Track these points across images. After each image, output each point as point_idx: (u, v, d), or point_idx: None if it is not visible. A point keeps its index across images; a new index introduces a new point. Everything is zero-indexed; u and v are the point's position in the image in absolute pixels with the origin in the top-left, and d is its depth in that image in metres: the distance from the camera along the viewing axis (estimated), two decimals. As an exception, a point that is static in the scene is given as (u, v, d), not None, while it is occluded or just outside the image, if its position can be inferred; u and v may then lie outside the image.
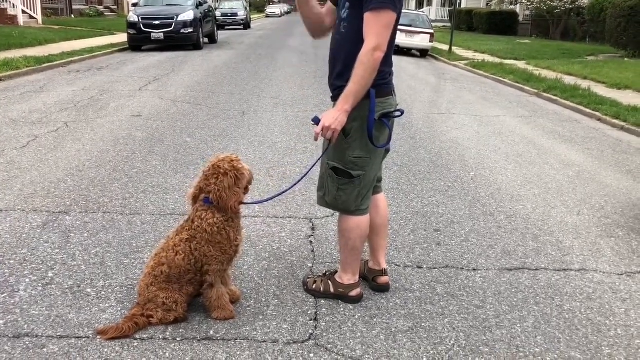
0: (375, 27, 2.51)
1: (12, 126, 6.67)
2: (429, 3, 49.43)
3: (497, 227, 4.24)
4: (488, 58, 18.46)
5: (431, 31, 19.84)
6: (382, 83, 2.73)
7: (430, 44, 19.92)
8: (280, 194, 3.17)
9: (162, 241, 2.82)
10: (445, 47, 21.25)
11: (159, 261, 2.69)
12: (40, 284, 3.07)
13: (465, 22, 36.56)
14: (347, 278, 3.03)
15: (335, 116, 2.58)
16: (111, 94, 9.09)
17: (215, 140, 6.33)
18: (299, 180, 3.12)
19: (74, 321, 2.73)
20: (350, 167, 2.77)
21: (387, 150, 3.05)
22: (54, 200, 4.34)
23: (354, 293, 3.03)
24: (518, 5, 35.13)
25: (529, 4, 30.53)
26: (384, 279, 3.18)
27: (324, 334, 2.73)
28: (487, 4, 39.30)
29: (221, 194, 2.59)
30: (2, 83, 10.02)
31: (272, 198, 3.24)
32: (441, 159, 6.14)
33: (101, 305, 2.89)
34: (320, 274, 3.21)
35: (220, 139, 6.44)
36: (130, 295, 2.96)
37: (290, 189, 3.19)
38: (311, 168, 3.14)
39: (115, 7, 37.02)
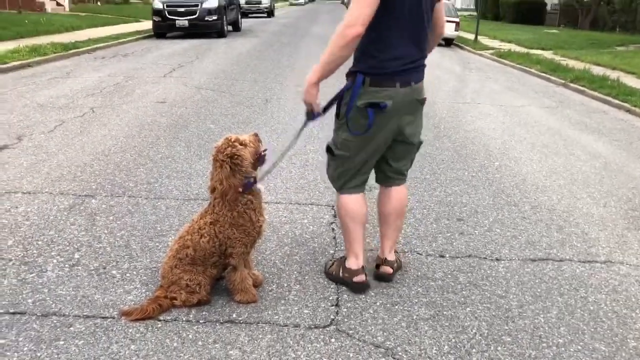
0: (352, 5, 2.53)
1: (40, 111, 6.78)
2: (455, -9, 48.79)
3: (522, 217, 4.19)
4: (514, 48, 18.16)
5: (457, 19, 19.55)
6: (379, 72, 2.66)
7: (456, 32, 19.64)
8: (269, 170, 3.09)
9: (186, 224, 2.85)
10: (471, 36, 20.95)
11: (184, 244, 2.71)
12: (67, 265, 3.13)
13: (491, 11, 36.03)
14: (350, 262, 3.01)
15: (305, 91, 2.73)
16: (136, 80, 9.18)
17: (238, 127, 6.35)
18: (283, 155, 3.29)
19: (99, 302, 2.79)
20: (339, 146, 2.86)
21: (420, 142, 3.18)
22: (80, 183, 4.41)
23: (356, 279, 2.99)
24: (546, -7, 34.49)
25: (557, -8, 29.98)
26: (383, 269, 3.12)
27: (345, 320, 2.74)
28: (514, -7, 38.62)
29: (215, 186, 2.65)
30: (30, 69, 10.18)
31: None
32: (465, 148, 6.08)
33: (126, 287, 2.94)
34: (339, 258, 3.21)
35: (243, 125, 6.46)
36: (154, 278, 3.00)
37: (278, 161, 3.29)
38: (293, 140, 3.18)
39: (142, -6, 37.30)
